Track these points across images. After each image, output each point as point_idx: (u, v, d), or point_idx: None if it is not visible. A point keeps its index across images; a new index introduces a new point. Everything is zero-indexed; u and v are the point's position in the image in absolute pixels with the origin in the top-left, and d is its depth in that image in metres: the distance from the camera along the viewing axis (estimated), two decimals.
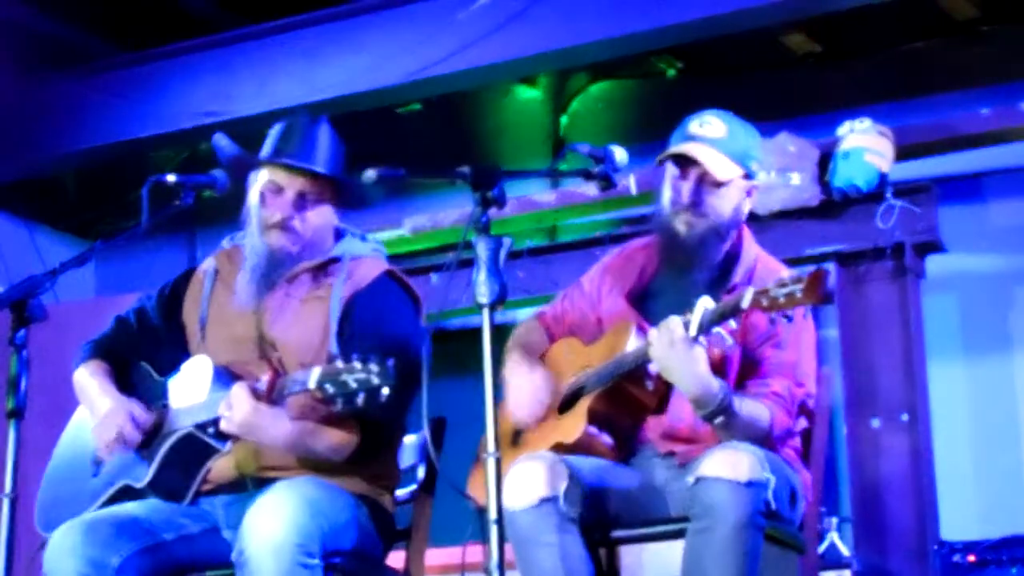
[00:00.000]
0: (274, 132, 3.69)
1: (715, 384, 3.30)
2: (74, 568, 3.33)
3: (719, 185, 3.52)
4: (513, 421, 3.64)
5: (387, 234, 6.55)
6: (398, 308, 3.61)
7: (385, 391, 3.16)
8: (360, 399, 3.19)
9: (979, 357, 6.13)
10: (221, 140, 3.71)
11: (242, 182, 3.68)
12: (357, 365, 3.19)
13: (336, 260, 3.66)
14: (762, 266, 3.58)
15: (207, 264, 3.79)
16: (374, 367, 3.17)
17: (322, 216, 3.64)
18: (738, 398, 3.35)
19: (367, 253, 3.72)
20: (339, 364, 3.22)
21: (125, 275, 7.52)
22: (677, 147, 3.54)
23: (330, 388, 3.22)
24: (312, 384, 3.26)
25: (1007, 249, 6.14)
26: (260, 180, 3.63)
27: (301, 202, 3.61)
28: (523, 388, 3.60)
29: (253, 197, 3.64)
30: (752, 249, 3.62)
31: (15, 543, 3.26)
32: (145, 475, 3.56)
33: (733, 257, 3.58)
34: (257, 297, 3.61)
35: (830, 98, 6.39)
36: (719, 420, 3.33)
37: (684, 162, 3.53)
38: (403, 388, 3.29)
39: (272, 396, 3.35)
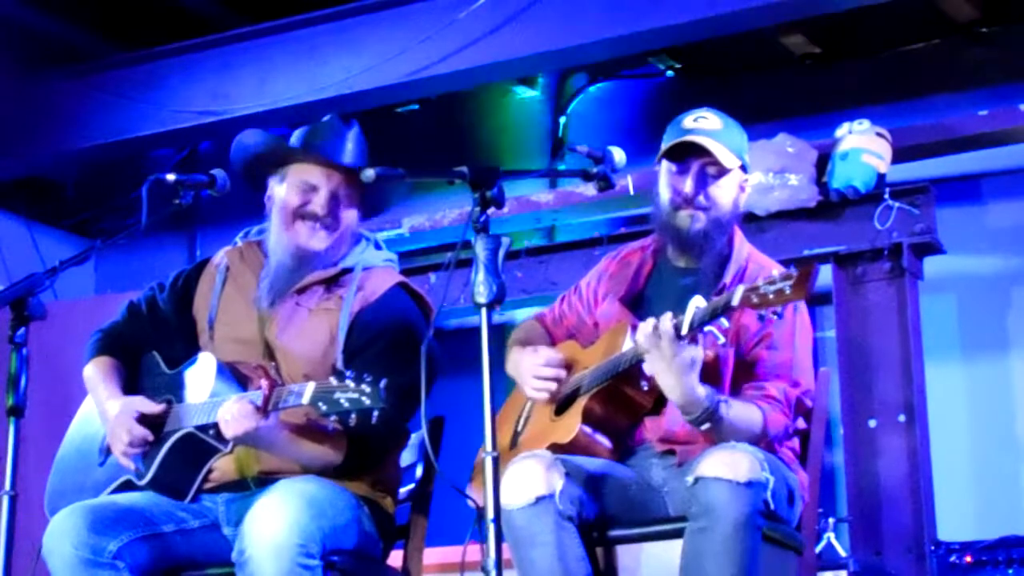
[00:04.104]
0: (299, 131, 3.68)
1: (701, 391, 3.30)
2: (72, 551, 3.36)
3: (720, 175, 3.55)
4: (539, 404, 3.65)
5: (386, 234, 6.56)
6: (407, 323, 3.59)
7: (375, 414, 3.17)
8: (352, 419, 3.21)
9: (977, 358, 6.14)
10: (248, 136, 3.69)
11: (257, 178, 3.68)
12: (350, 384, 3.18)
13: (348, 271, 3.66)
14: (754, 265, 3.60)
15: (219, 258, 3.79)
16: (366, 388, 3.17)
17: (350, 218, 3.65)
18: (725, 405, 3.34)
19: (379, 264, 3.72)
20: (333, 382, 3.21)
21: (125, 273, 7.52)
22: (680, 139, 3.55)
23: (323, 406, 3.22)
24: (306, 400, 3.26)
25: (1005, 250, 6.14)
26: (290, 176, 3.63)
27: (335, 201, 3.61)
28: (536, 367, 3.59)
29: (281, 192, 3.64)
30: (744, 249, 3.63)
31: (15, 539, 3.27)
32: (146, 473, 3.57)
33: (724, 257, 3.59)
34: (268, 303, 3.62)
35: (828, 99, 6.40)
36: (706, 426, 3.34)
37: (684, 156, 3.54)
38: (403, 405, 3.29)
39: (267, 407, 3.35)
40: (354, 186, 3.61)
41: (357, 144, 3.65)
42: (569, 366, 3.64)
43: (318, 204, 3.60)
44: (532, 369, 3.61)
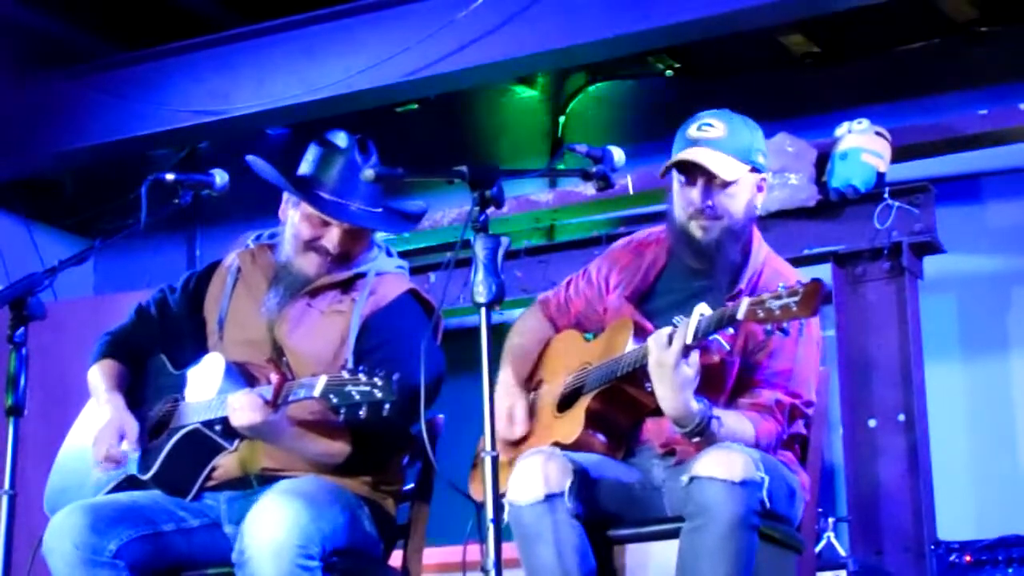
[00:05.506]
0: (312, 156, 3.64)
1: (695, 405, 3.29)
2: (72, 550, 3.36)
3: (727, 185, 3.51)
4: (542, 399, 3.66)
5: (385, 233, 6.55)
6: (416, 328, 3.58)
7: (387, 406, 3.18)
8: (363, 411, 3.21)
9: (976, 358, 6.13)
10: (257, 162, 3.67)
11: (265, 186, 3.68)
12: (362, 378, 3.20)
13: (361, 276, 3.65)
14: (769, 270, 3.56)
15: (230, 259, 3.79)
16: (378, 381, 3.19)
17: (363, 243, 3.66)
18: (717, 422, 3.33)
19: (392, 270, 3.72)
20: (345, 375, 3.23)
21: (124, 273, 7.53)
22: (679, 155, 3.53)
23: (334, 399, 3.23)
24: (317, 393, 3.27)
25: (1005, 250, 6.14)
26: (303, 206, 3.59)
27: (348, 236, 3.60)
28: (501, 417, 3.60)
29: (294, 218, 3.62)
30: (761, 252, 3.60)
31: (14, 540, 3.27)
32: (150, 468, 3.58)
33: (742, 261, 3.56)
34: (278, 305, 3.61)
35: (828, 98, 6.40)
36: (697, 439, 3.33)
37: (689, 167, 3.52)
38: (409, 407, 3.29)
39: (277, 400, 3.36)
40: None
41: (371, 186, 3.57)
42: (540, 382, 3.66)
43: (330, 242, 3.59)
44: (504, 424, 3.60)
